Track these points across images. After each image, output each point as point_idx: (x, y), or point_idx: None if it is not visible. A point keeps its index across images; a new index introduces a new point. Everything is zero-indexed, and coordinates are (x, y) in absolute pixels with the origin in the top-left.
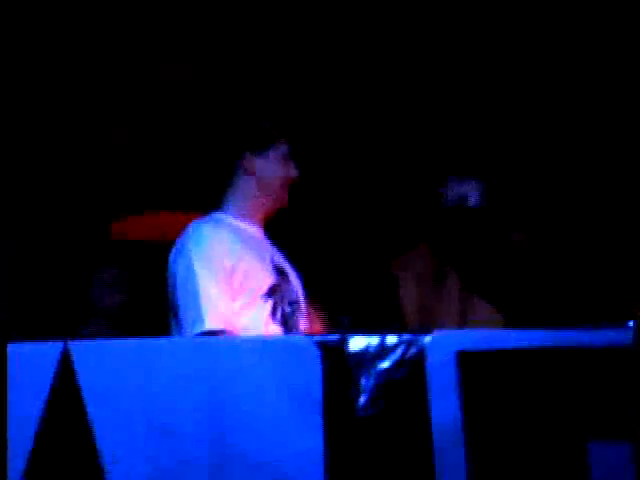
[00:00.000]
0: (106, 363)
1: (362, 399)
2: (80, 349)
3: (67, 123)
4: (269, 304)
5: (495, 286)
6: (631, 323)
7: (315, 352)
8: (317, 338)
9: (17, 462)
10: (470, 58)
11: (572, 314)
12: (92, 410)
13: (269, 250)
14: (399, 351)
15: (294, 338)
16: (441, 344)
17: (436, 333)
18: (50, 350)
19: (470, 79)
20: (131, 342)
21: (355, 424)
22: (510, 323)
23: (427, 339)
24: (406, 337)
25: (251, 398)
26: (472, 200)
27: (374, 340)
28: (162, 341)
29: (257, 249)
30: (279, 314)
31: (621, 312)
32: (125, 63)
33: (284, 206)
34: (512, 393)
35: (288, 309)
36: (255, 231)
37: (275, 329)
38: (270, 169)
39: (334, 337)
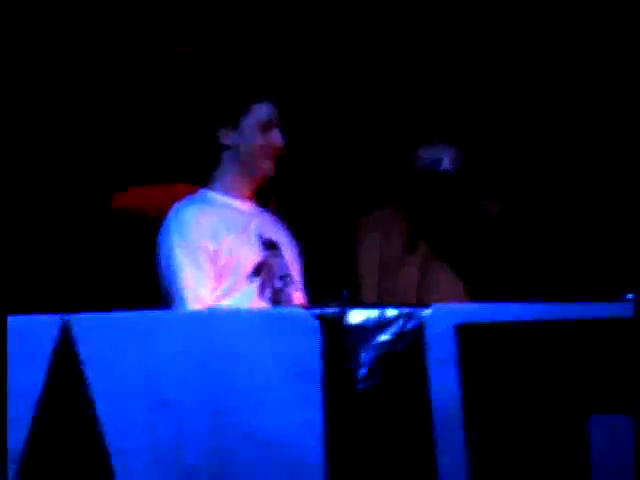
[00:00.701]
0: (106, 335)
1: (361, 372)
2: (80, 322)
3: (63, 103)
4: (256, 284)
5: (463, 256)
6: (630, 296)
7: (314, 325)
8: (317, 311)
9: (18, 435)
10: (445, 25)
11: (547, 290)
12: (92, 382)
13: (257, 224)
14: (398, 324)
15: (294, 311)
16: (440, 317)
17: (436, 306)
18: (50, 323)
19: (446, 43)
20: (131, 315)
21: (354, 397)
22: (473, 296)
23: (426, 312)
24: (405, 310)
25: (250, 370)
26: (445, 164)
27: (373, 313)
28: (162, 313)
29: (242, 226)
30: (268, 292)
31: (599, 287)
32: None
33: (270, 175)
34: (511, 366)
35: (279, 284)
36: (241, 205)
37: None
38: (244, 139)
39: (333, 310)
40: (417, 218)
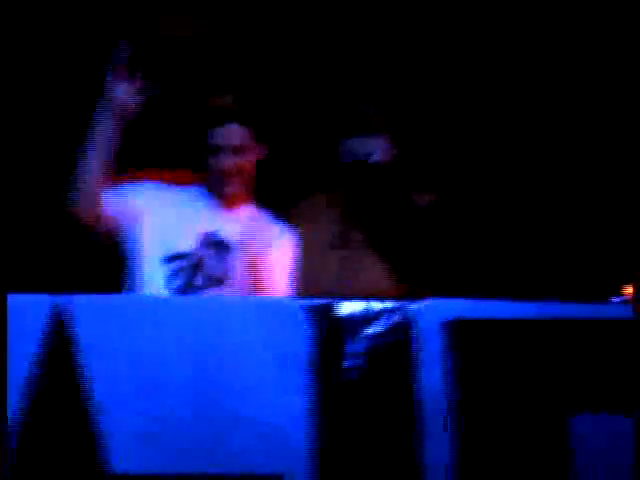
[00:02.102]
0: (97, 317)
1: (349, 362)
2: (71, 303)
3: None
4: (164, 271)
5: (393, 246)
6: (616, 299)
7: (303, 314)
8: (306, 301)
9: (14, 413)
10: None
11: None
12: (83, 364)
13: (217, 224)
14: (387, 317)
15: (284, 300)
16: (430, 312)
17: (425, 301)
18: (41, 302)
19: (379, 28)
20: (122, 297)
21: (341, 386)
22: (400, 285)
23: (416, 306)
24: (395, 303)
25: (239, 357)
26: (376, 156)
27: (362, 305)
28: (152, 297)
29: (194, 218)
30: (178, 283)
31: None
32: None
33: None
34: (499, 362)
35: (199, 282)
36: (210, 205)
37: None
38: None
39: (323, 301)
40: (348, 208)
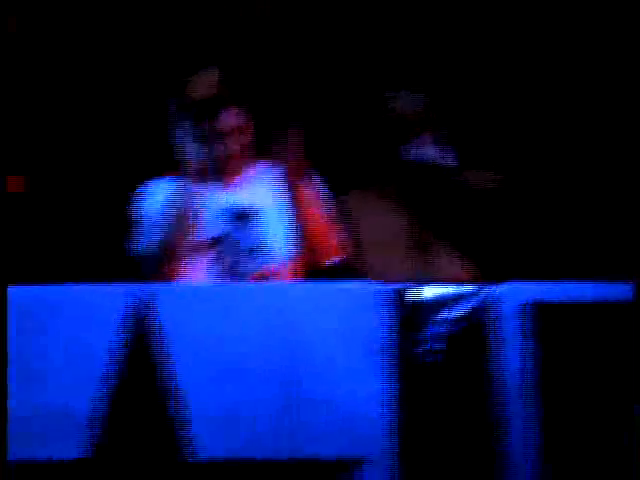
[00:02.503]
0: (179, 305)
1: (429, 346)
2: (154, 291)
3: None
4: (204, 259)
5: (464, 236)
6: None
7: (381, 299)
8: (384, 286)
9: (91, 404)
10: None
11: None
12: (165, 350)
13: (235, 194)
14: (466, 301)
15: (361, 285)
16: (511, 295)
17: (506, 284)
18: (125, 291)
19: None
20: (206, 286)
21: (421, 371)
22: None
23: (496, 289)
24: (474, 287)
25: (317, 342)
26: (432, 156)
27: (448, 288)
28: (235, 286)
29: (210, 202)
30: (220, 268)
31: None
32: None
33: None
34: (581, 345)
35: (237, 258)
36: (224, 179)
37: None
38: None
39: (402, 285)
40: (411, 205)
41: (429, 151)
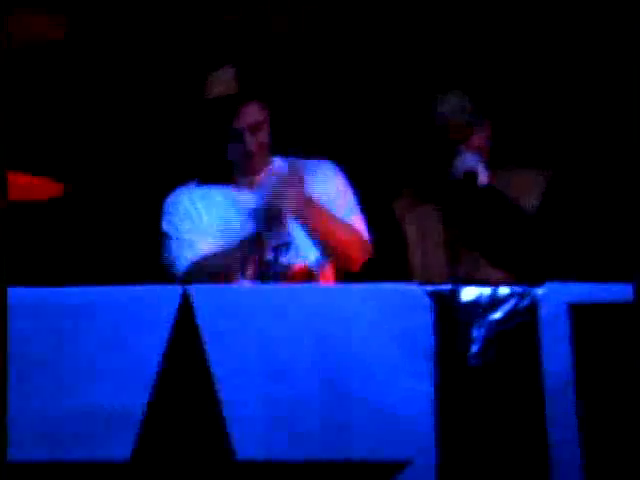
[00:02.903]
0: (224, 307)
1: (473, 349)
2: (199, 293)
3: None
4: (238, 258)
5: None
6: None
7: (427, 301)
8: (429, 288)
9: (138, 402)
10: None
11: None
12: (210, 352)
13: (260, 194)
14: (511, 302)
15: (407, 287)
16: (553, 296)
17: (548, 285)
18: (171, 293)
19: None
20: (248, 287)
21: (465, 372)
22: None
23: (539, 291)
24: (518, 288)
25: (363, 343)
26: (481, 176)
27: (486, 291)
28: (278, 287)
29: (236, 204)
30: (250, 269)
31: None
32: None
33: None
34: (624, 346)
35: (271, 256)
36: (248, 180)
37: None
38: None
39: (446, 287)
40: (456, 224)
41: (472, 159)
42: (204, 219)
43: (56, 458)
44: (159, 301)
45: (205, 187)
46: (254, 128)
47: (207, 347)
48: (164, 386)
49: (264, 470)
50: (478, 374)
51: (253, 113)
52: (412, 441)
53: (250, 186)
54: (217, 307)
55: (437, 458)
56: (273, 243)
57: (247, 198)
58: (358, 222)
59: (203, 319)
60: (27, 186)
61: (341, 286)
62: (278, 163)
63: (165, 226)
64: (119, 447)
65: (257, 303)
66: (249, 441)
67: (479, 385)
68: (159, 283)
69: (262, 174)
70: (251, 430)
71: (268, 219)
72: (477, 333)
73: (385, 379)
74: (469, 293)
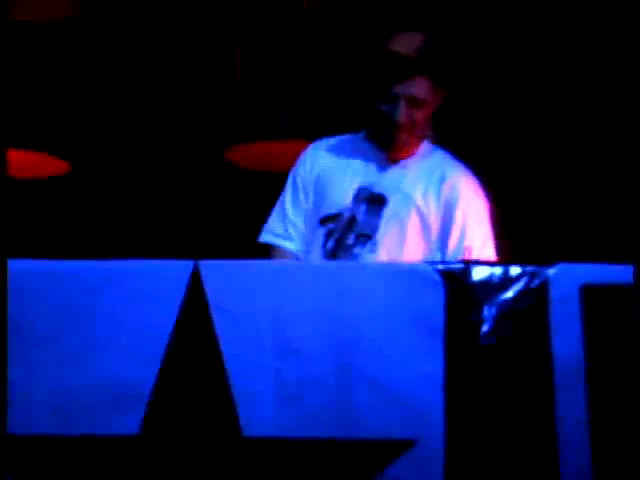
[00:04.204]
0: (235, 283)
1: (484, 328)
2: (210, 268)
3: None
4: (322, 231)
5: None
6: None
7: (438, 279)
8: (440, 266)
9: (148, 375)
10: None
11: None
12: (220, 328)
13: (376, 177)
14: (522, 282)
15: (418, 265)
16: (565, 276)
17: (560, 265)
18: (181, 268)
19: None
20: (260, 263)
21: (476, 351)
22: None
23: (551, 271)
24: (530, 268)
25: (374, 321)
26: None
27: (497, 270)
28: (290, 263)
29: (351, 175)
30: (330, 243)
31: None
32: None
33: (400, 147)
34: (635, 328)
35: (351, 240)
36: (369, 155)
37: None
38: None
39: (458, 265)
40: None
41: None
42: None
43: (66, 432)
44: (169, 275)
45: (345, 144)
46: (414, 102)
47: (216, 322)
48: (173, 360)
49: (272, 447)
50: (488, 353)
51: (419, 87)
52: (421, 420)
53: (382, 162)
54: (228, 282)
55: (445, 437)
56: (360, 230)
57: (370, 174)
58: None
59: (213, 294)
60: (33, 163)
61: (353, 264)
62: (422, 152)
63: (289, 177)
64: (128, 420)
65: (269, 279)
66: (257, 418)
67: (489, 364)
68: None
69: (403, 155)
70: (260, 407)
71: (372, 203)
72: (488, 312)
73: (395, 357)
74: (480, 272)
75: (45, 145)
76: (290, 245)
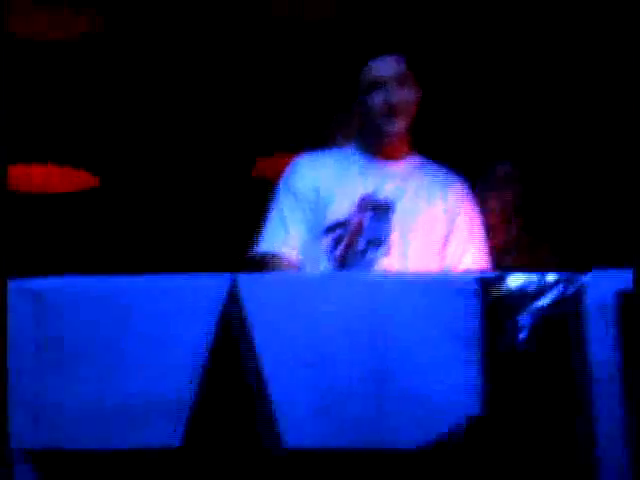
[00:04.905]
0: (272, 295)
1: (520, 336)
2: (247, 281)
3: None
4: (329, 239)
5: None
6: None
7: (473, 288)
8: (476, 275)
9: (187, 389)
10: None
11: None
12: (258, 340)
13: (378, 183)
14: (558, 289)
15: (454, 274)
16: (601, 283)
17: (595, 272)
18: (219, 282)
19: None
20: (296, 276)
21: (513, 360)
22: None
23: (587, 277)
24: (565, 275)
25: (411, 331)
26: None
27: (533, 277)
28: (324, 275)
29: (352, 182)
30: (339, 249)
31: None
32: None
33: (399, 133)
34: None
35: (361, 246)
36: (373, 164)
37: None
38: (362, 100)
39: (493, 274)
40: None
41: None
42: (320, 192)
43: (108, 447)
44: (207, 289)
45: (338, 156)
46: (400, 80)
47: (255, 335)
48: (213, 374)
49: (311, 458)
50: (525, 362)
51: (400, 64)
52: (458, 430)
53: (377, 170)
54: (265, 295)
55: (479, 446)
56: (369, 235)
57: (368, 182)
58: (487, 257)
59: (251, 307)
60: (61, 177)
61: (388, 275)
62: (416, 161)
63: (281, 191)
64: (170, 433)
65: (305, 291)
66: (297, 429)
67: (526, 373)
68: (204, 272)
69: (398, 163)
70: (299, 418)
71: (377, 210)
72: (524, 320)
73: (432, 367)
74: (516, 280)
75: (75, 159)
76: (293, 253)
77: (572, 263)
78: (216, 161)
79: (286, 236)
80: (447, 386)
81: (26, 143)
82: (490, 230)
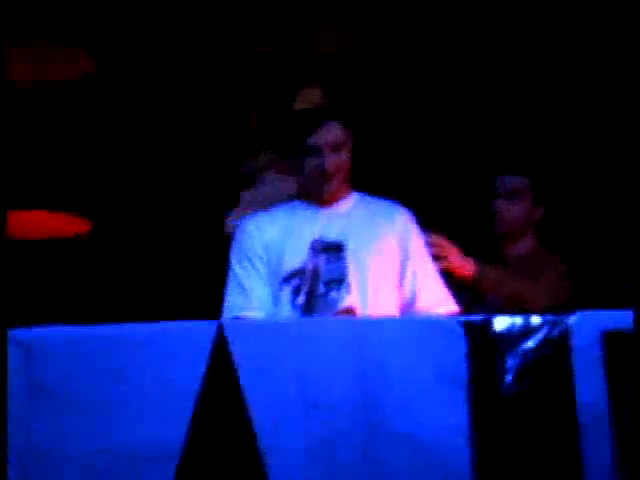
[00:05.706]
0: (260, 341)
1: (507, 378)
2: (234, 328)
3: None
4: (288, 290)
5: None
6: None
7: (460, 331)
8: (462, 318)
9: (176, 436)
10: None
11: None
12: (247, 386)
13: (325, 227)
14: (543, 331)
15: (440, 318)
16: (586, 324)
17: (581, 313)
18: (206, 329)
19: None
20: (283, 321)
21: (500, 402)
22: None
23: (572, 319)
24: (550, 317)
25: (399, 375)
26: None
27: (518, 320)
28: (314, 320)
29: (299, 231)
30: (302, 298)
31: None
32: None
33: (330, 195)
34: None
35: (321, 289)
36: (316, 210)
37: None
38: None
39: (479, 317)
40: None
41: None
42: (271, 249)
43: None
44: (195, 336)
45: (285, 209)
46: (334, 147)
47: (243, 381)
48: (202, 421)
49: None
50: (512, 404)
51: (334, 132)
52: (449, 473)
53: (319, 213)
54: (252, 341)
55: None
56: (328, 277)
57: (314, 226)
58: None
59: (239, 353)
60: (54, 223)
61: (376, 318)
62: (356, 199)
63: (234, 257)
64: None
65: (293, 337)
66: (288, 475)
67: (514, 414)
68: (191, 319)
69: (335, 202)
70: (290, 464)
71: (329, 252)
72: (510, 362)
73: (421, 409)
74: (502, 322)
75: (68, 205)
76: (257, 314)
77: (580, 272)
78: (210, 205)
79: (245, 300)
80: (436, 429)
81: (18, 189)
82: (501, 242)
